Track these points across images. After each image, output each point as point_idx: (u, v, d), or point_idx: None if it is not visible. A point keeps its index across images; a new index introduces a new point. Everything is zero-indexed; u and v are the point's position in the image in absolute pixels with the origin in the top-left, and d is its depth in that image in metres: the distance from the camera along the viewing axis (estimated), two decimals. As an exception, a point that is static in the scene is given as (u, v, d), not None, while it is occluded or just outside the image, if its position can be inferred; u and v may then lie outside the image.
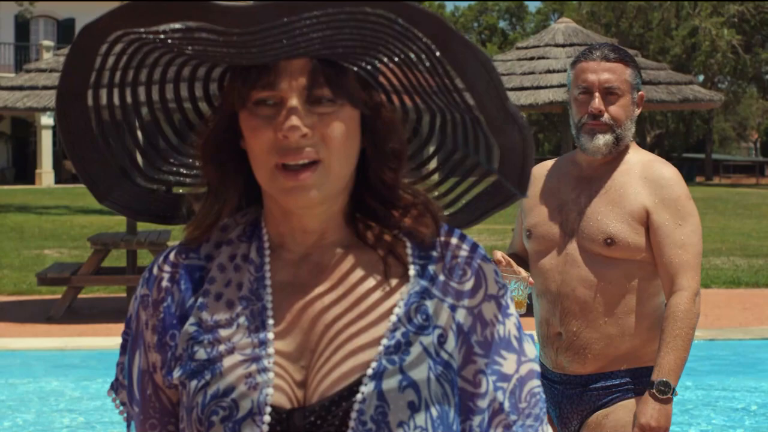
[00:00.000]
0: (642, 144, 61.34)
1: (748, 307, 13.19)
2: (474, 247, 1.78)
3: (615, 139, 3.64)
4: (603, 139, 3.63)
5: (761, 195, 44.53)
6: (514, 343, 1.79)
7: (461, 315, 1.74)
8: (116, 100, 1.78)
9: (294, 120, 1.62)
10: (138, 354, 1.82)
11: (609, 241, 3.60)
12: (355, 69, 1.68)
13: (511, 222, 20.49)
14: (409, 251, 1.75)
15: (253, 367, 1.68)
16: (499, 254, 3.60)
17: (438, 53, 1.57)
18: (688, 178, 63.66)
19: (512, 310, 1.80)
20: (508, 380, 1.78)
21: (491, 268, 1.78)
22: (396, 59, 1.64)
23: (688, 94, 13.45)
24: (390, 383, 1.66)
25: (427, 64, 1.61)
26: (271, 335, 1.69)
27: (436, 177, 1.88)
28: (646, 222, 3.62)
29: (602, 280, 3.62)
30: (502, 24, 76.53)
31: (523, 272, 3.59)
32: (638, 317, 3.67)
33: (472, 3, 76.04)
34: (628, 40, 54.89)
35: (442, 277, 1.74)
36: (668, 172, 3.67)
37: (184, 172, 1.87)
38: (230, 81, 1.71)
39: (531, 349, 1.82)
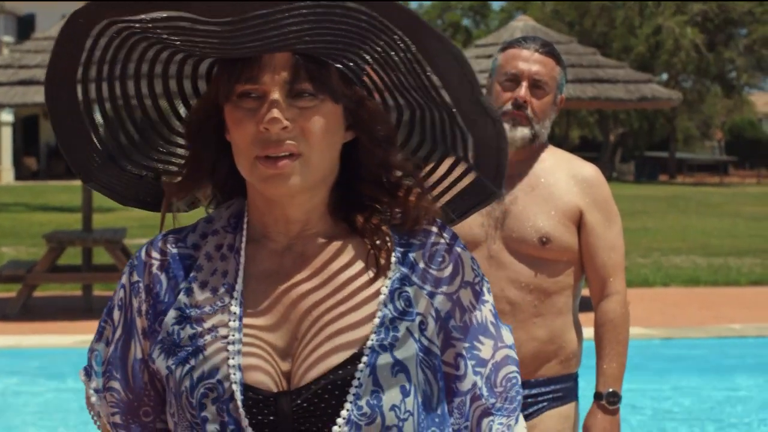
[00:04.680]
0: (605, 142, 61.94)
1: (707, 305, 13.25)
2: (454, 236, 1.83)
3: (532, 135, 3.50)
4: (521, 132, 3.48)
5: (724, 194, 44.84)
6: (491, 329, 1.85)
7: (439, 301, 1.79)
8: (105, 90, 1.82)
9: (275, 113, 1.67)
10: (133, 342, 1.84)
11: (544, 240, 3.47)
12: (338, 66, 1.72)
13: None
14: (390, 239, 1.79)
15: (231, 349, 1.72)
16: None
17: (413, 47, 1.62)
18: (652, 177, 64.14)
19: (487, 297, 1.85)
20: (484, 365, 1.83)
21: (468, 256, 1.84)
22: (375, 55, 1.70)
23: (646, 93, 13.51)
24: (383, 368, 1.71)
25: (403, 57, 1.66)
26: (236, 321, 1.73)
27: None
28: (579, 222, 3.52)
29: (532, 281, 3.50)
30: (465, 22, 76.68)
31: None
32: (565, 319, 3.57)
33: (436, 1, 76.15)
34: (592, 38, 55.13)
35: (421, 265, 1.79)
36: (593, 171, 3.59)
37: (173, 160, 1.91)
38: (216, 74, 1.77)
39: (508, 336, 1.87)
